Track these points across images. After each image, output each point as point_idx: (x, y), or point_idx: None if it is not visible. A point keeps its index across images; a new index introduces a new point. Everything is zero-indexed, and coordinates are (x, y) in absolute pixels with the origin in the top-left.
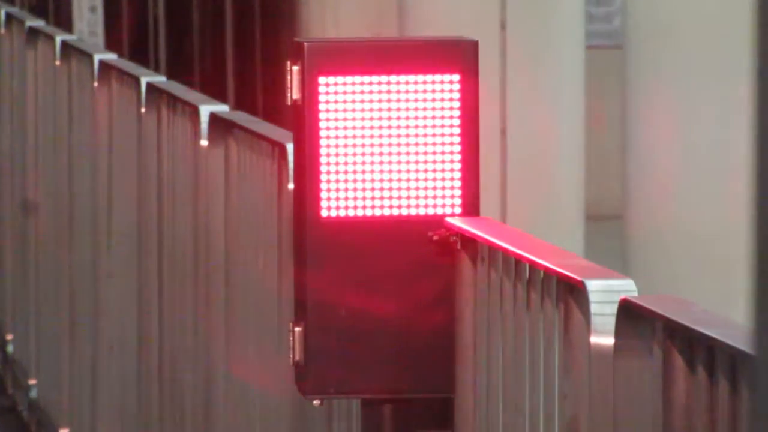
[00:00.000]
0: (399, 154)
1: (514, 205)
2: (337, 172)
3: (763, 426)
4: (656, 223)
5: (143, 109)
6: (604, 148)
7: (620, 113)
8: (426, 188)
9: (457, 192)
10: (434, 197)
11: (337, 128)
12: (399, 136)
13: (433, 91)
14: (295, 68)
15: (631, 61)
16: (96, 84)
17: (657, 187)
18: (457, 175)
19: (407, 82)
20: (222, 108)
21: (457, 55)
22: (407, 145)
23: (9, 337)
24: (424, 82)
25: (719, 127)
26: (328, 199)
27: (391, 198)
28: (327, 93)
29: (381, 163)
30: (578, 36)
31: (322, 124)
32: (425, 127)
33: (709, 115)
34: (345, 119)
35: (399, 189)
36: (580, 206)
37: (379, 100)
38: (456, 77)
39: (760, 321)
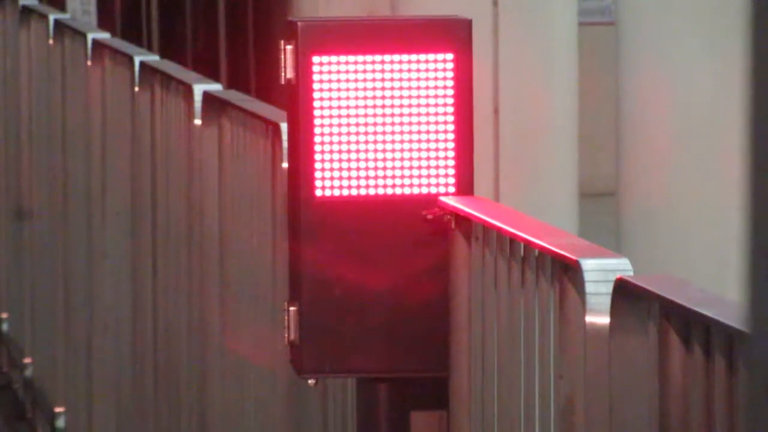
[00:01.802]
0: (393, 133)
1: (507, 183)
2: (331, 152)
3: (760, 405)
4: (649, 201)
5: (137, 88)
6: (598, 125)
7: (613, 90)
8: (420, 167)
9: (451, 171)
10: (428, 176)
11: (331, 107)
12: (393, 115)
13: (427, 70)
14: (289, 47)
15: (625, 38)
16: (89, 63)
17: (650, 164)
18: (451, 154)
19: (401, 62)
20: (215, 87)
21: (451, 34)
22: (401, 124)
23: (4, 315)
24: (418, 61)
25: (713, 105)
26: (323, 178)
27: (385, 177)
28: (321, 72)
29: (375, 142)
30: (571, 13)
31: (316, 104)
32: (419, 106)
33: (703, 92)
34: (339, 98)
35: (393, 168)
36: (574, 183)
37: (373, 80)
38: (450, 56)
39: (754, 299)
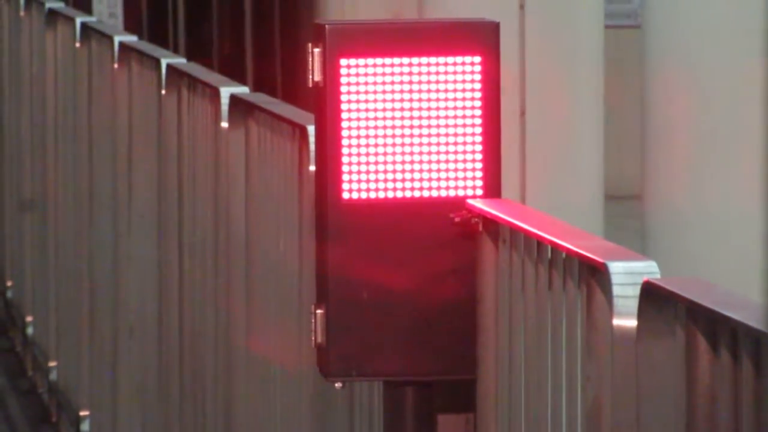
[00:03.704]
0: (420, 136)
1: (533, 185)
2: (358, 154)
3: None
4: (675, 203)
5: (163, 91)
6: (623, 128)
7: (639, 93)
8: (447, 170)
9: (479, 174)
10: (455, 179)
11: (358, 110)
12: (420, 117)
13: (455, 72)
14: (317, 50)
15: (650, 41)
16: (116, 66)
17: (676, 166)
18: (479, 156)
19: (428, 64)
20: (242, 90)
21: (478, 37)
22: (428, 127)
23: (29, 318)
24: (446, 64)
25: (738, 107)
26: (350, 181)
27: (412, 180)
28: (348, 75)
29: (402, 144)
30: (597, 16)
31: (344, 106)
32: (446, 108)
33: (728, 94)
34: (366, 101)
35: (420, 171)
36: (600, 186)
37: (401, 82)
38: (477, 59)
39: None
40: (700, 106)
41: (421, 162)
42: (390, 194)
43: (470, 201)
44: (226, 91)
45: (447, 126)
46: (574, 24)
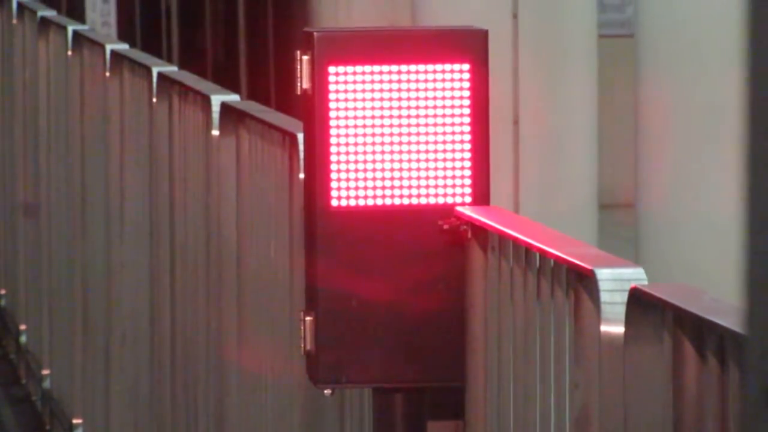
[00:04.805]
0: (409, 143)
1: (527, 194)
2: (347, 162)
3: (755, 408)
4: (668, 212)
5: (155, 99)
6: (617, 137)
7: (632, 102)
8: (436, 177)
9: (468, 181)
10: (444, 186)
11: (347, 118)
12: (409, 125)
13: (443, 80)
14: (305, 58)
15: (644, 50)
16: (108, 74)
17: (669, 175)
18: (468, 164)
19: (417, 72)
20: (233, 98)
21: (467, 45)
22: (417, 134)
23: (22, 327)
24: (434, 72)
25: (731, 116)
26: (339, 188)
27: (401, 187)
28: (337, 82)
29: (391, 152)
30: (590, 25)
31: (332, 114)
32: (435, 116)
33: (721, 103)
34: (355, 109)
35: (409, 178)
36: (593, 195)
37: (389, 90)
38: (466, 66)
39: (752, 303)
40: (693, 115)
41: (409, 169)
42: (379, 202)
43: (459, 208)
44: (216, 99)
45: (436, 133)
46: (567, 33)
